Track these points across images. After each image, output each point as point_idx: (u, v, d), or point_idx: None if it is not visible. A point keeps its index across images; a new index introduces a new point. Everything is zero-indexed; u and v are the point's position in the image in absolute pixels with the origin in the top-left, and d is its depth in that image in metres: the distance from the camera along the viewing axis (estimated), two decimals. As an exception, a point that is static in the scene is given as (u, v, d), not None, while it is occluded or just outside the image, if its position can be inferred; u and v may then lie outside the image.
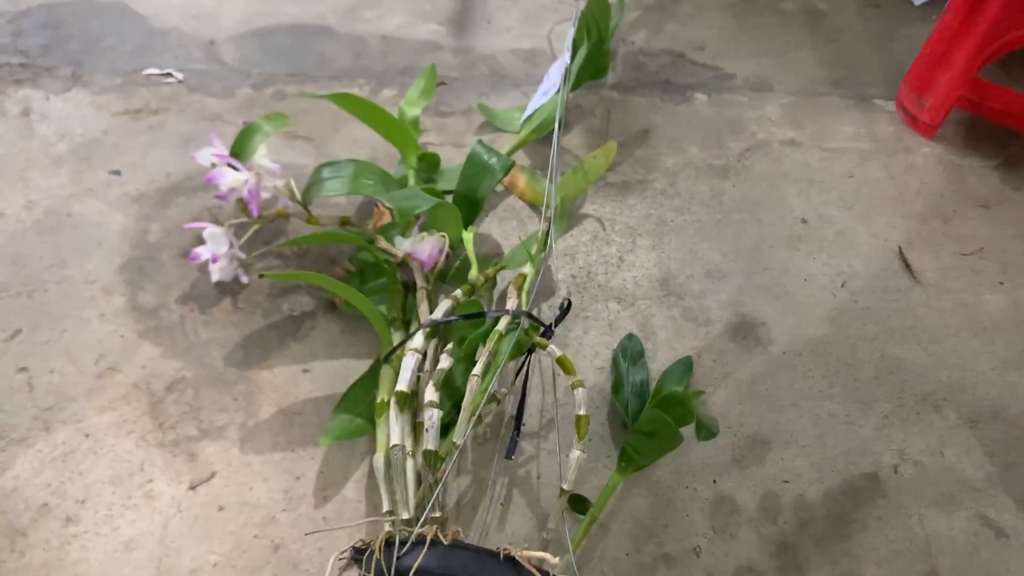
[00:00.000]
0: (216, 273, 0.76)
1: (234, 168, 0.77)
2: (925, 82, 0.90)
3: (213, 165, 0.77)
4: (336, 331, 0.76)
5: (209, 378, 0.73)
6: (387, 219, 0.74)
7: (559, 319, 0.70)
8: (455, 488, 0.68)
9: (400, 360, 0.66)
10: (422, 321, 0.69)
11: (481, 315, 0.66)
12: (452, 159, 0.89)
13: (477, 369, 0.61)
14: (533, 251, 0.74)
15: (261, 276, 0.74)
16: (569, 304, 0.71)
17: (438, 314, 0.67)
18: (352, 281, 0.78)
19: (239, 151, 0.78)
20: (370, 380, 0.71)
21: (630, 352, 0.74)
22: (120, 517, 0.65)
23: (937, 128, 0.91)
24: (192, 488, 0.67)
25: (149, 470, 0.68)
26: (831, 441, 0.71)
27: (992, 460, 0.70)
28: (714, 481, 0.68)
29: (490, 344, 0.63)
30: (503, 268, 0.76)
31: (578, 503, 0.65)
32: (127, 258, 0.81)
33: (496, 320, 0.66)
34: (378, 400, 0.66)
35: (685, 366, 0.74)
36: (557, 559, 0.49)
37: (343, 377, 0.73)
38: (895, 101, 0.96)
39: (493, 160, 0.78)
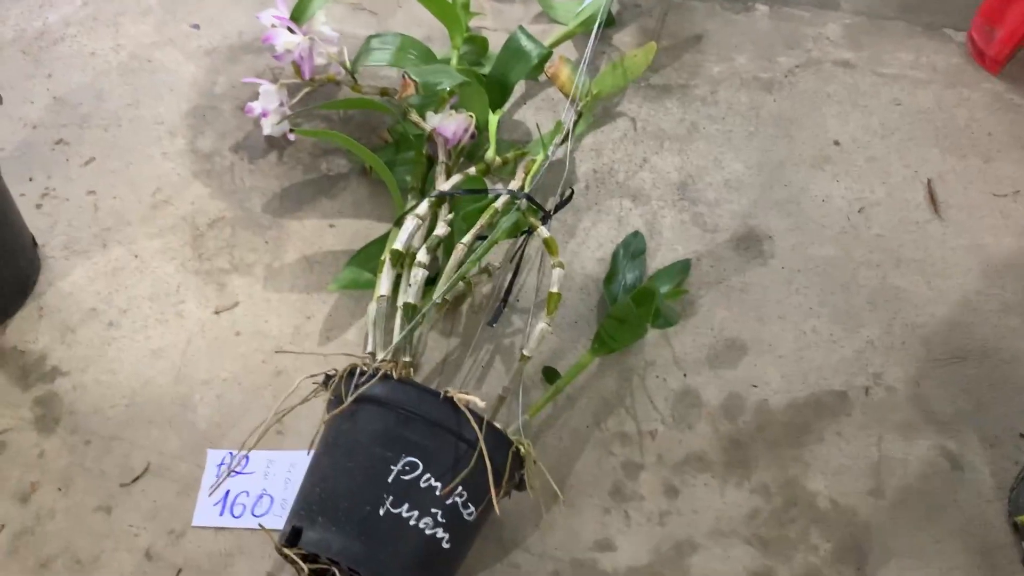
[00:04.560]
0: (266, 127, 0.83)
1: (291, 31, 0.83)
2: (998, 13, 0.86)
3: (273, 26, 0.83)
4: (364, 194, 0.83)
5: (246, 220, 0.81)
6: (411, 91, 0.79)
7: (559, 206, 0.73)
8: (444, 346, 0.74)
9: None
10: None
11: (484, 191, 0.71)
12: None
13: (465, 238, 0.66)
14: (549, 141, 0.77)
15: (292, 131, 0.81)
16: (571, 194, 0.74)
17: (447, 186, 0.72)
18: (387, 150, 0.84)
19: (298, 16, 0.84)
20: (384, 241, 0.77)
21: (632, 248, 0.77)
22: (153, 328, 0.75)
23: (1003, 64, 0.88)
24: (216, 313, 0.76)
25: (183, 292, 0.77)
26: (808, 356, 0.73)
27: (967, 398, 0.71)
28: (684, 375, 0.72)
29: (484, 218, 0.68)
30: (524, 154, 0.80)
31: (550, 375, 0.70)
32: (193, 105, 0.88)
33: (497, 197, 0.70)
34: (382, 257, 0.72)
35: (681, 268, 0.76)
36: (483, 403, 0.54)
37: (363, 236, 0.79)
38: (966, 33, 0.92)
39: (530, 46, 0.81)
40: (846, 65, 0.90)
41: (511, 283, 0.74)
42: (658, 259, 0.78)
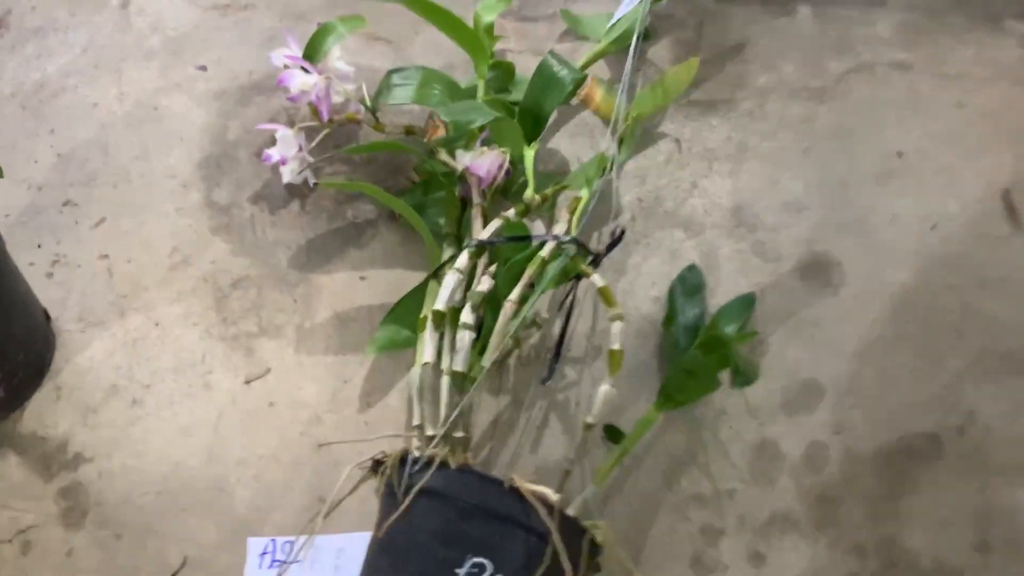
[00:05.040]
0: (286, 175, 0.77)
1: (305, 71, 0.77)
2: (1066, 2, 0.80)
3: (285, 67, 0.78)
4: (395, 241, 0.77)
5: (272, 278, 0.75)
6: (441, 132, 0.73)
7: (610, 247, 0.67)
8: (493, 406, 0.68)
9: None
10: (471, 239, 0.68)
11: (527, 238, 0.65)
12: (531, 68, 0.85)
13: (513, 294, 0.61)
14: (594, 173, 0.71)
15: (316, 185, 0.76)
16: (622, 233, 0.68)
17: (486, 234, 0.66)
18: (415, 192, 0.78)
19: (312, 53, 0.78)
20: (420, 293, 0.71)
21: (688, 284, 0.71)
22: (180, 404, 0.69)
23: (1075, 56, 0.81)
24: (247, 382, 0.70)
25: (210, 362, 0.71)
26: (892, 395, 0.67)
27: (1074, 431, 0.65)
28: (760, 425, 0.66)
29: (530, 270, 0.62)
30: (564, 188, 0.74)
31: (613, 433, 0.64)
32: (206, 154, 0.83)
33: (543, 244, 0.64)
34: (421, 315, 0.67)
35: (745, 303, 0.70)
36: (557, 496, 0.48)
37: (397, 287, 0.73)
38: (1031, 22, 0.86)
39: (563, 72, 0.75)
40: (901, 67, 0.83)
41: (562, 334, 0.68)
42: (719, 295, 0.72)
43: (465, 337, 0.59)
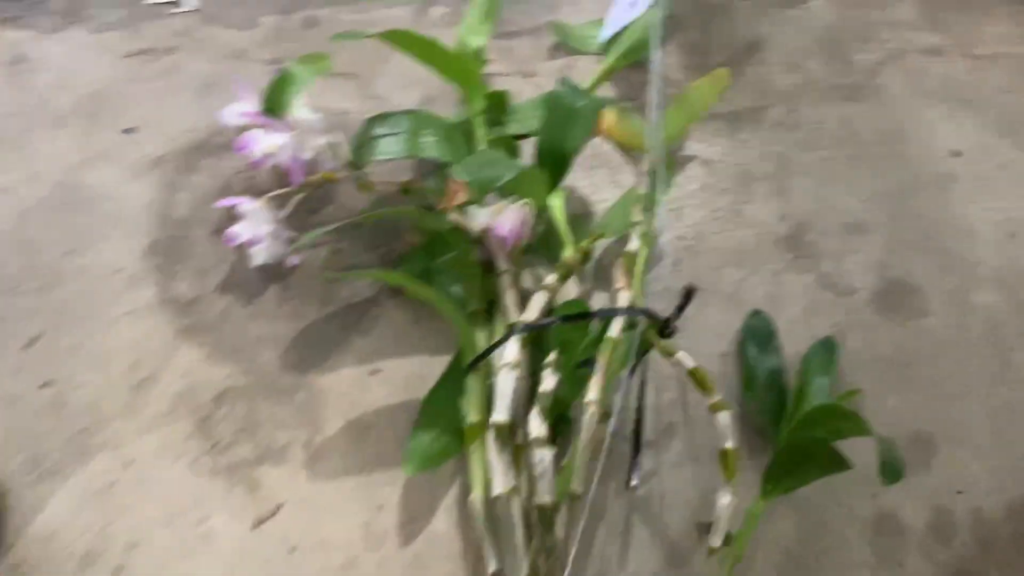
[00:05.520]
0: (258, 256, 0.64)
1: (267, 128, 0.64)
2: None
3: (243, 127, 0.64)
4: (405, 320, 0.65)
5: (263, 386, 0.62)
6: (463, 197, 0.61)
7: (680, 310, 0.57)
8: (562, 513, 0.57)
9: (488, 369, 0.55)
10: (508, 316, 0.57)
11: (589, 316, 0.54)
12: (521, 92, 0.74)
13: (592, 393, 0.50)
14: (639, 219, 0.60)
15: (326, 279, 0.63)
16: (691, 292, 0.57)
17: (534, 312, 0.55)
18: (418, 257, 0.66)
19: (273, 106, 0.65)
20: (450, 385, 0.59)
21: (758, 333, 0.62)
22: (177, 565, 0.56)
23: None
24: (257, 526, 0.57)
25: (205, 505, 0.58)
26: (1012, 438, 0.59)
27: None
28: (873, 496, 0.57)
29: (604, 357, 0.51)
30: (600, 237, 0.63)
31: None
32: (153, 239, 0.69)
33: (606, 319, 0.53)
34: (467, 421, 0.55)
35: (827, 350, 0.61)
36: None
37: (419, 378, 0.61)
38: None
39: (581, 103, 0.63)
40: (934, 52, 0.75)
41: (638, 425, 0.57)
42: (792, 341, 0.62)
43: (546, 458, 0.48)
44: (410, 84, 0.76)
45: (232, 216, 0.64)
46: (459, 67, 0.66)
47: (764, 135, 0.72)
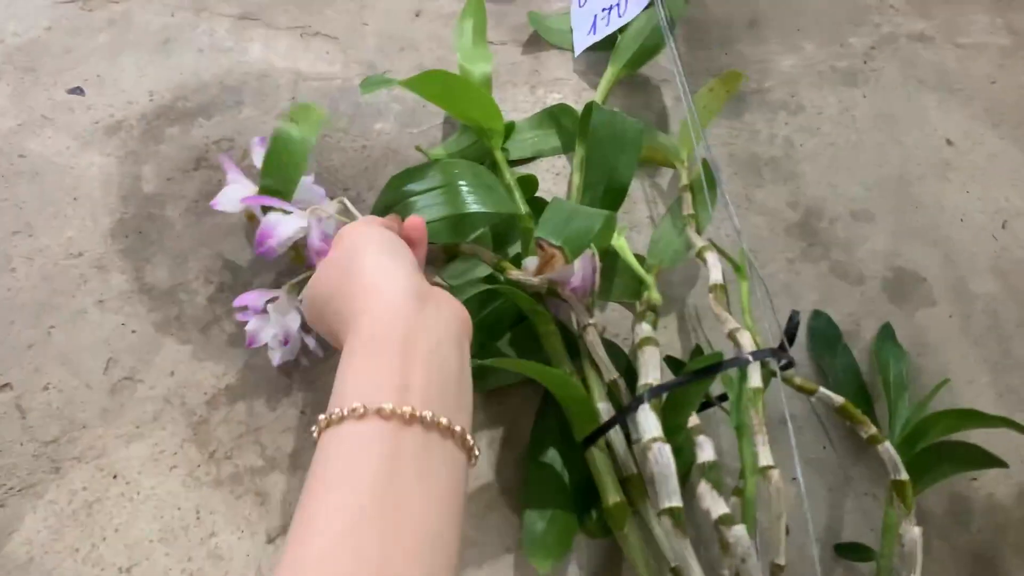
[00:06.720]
0: (279, 356, 0.55)
1: (280, 209, 0.54)
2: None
3: (250, 218, 0.57)
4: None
5: (261, 382, 0.57)
6: (560, 261, 0.53)
7: (791, 339, 0.51)
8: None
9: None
10: (606, 374, 0.53)
11: (720, 367, 0.48)
12: (517, 107, 0.69)
13: (765, 456, 0.45)
14: (703, 243, 0.56)
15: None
16: (796, 317, 0.52)
17: (653, 371, 0.50)
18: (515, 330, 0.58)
19: (279, 185, 0.55)
20: (549, 456, 0.54)
21: (823, 334, 0.61)
22: (184, 591, 0.50)
23: (1087, 18, 0.77)
24: (271, 541, 0.52)
25: (209, 521, 0.52)
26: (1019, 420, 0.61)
27: None
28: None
29: (758, 411, 0.47)
30: (657, 269, 0.59)
31: (853, 551, 0.53)
32: (118, 217, 0.61)
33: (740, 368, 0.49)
34: (610, 501, 0.49)
35: (890, 337, 0.61)
36: None
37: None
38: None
39: (627, 125, 0.59)
40: (923, 39, 0.76)
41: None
42: (811, 332, 0.62)
43: (745, 541, 0.43)
44: (399, 48, 0.70)
45: (214, 187, 0.57)
46: (487, 106, 0.59)
47: (768, 119, 0.70)
